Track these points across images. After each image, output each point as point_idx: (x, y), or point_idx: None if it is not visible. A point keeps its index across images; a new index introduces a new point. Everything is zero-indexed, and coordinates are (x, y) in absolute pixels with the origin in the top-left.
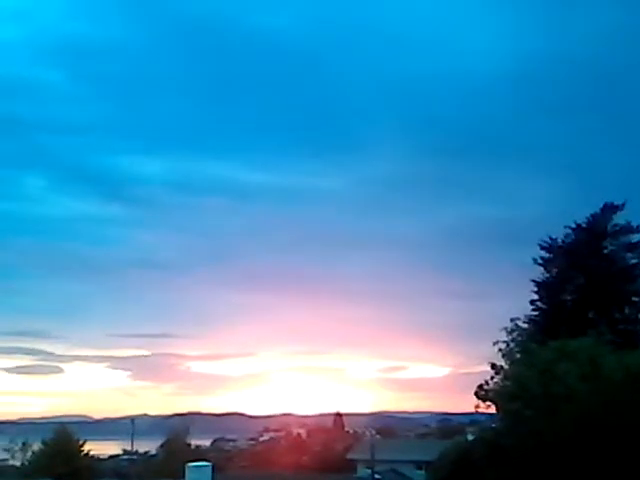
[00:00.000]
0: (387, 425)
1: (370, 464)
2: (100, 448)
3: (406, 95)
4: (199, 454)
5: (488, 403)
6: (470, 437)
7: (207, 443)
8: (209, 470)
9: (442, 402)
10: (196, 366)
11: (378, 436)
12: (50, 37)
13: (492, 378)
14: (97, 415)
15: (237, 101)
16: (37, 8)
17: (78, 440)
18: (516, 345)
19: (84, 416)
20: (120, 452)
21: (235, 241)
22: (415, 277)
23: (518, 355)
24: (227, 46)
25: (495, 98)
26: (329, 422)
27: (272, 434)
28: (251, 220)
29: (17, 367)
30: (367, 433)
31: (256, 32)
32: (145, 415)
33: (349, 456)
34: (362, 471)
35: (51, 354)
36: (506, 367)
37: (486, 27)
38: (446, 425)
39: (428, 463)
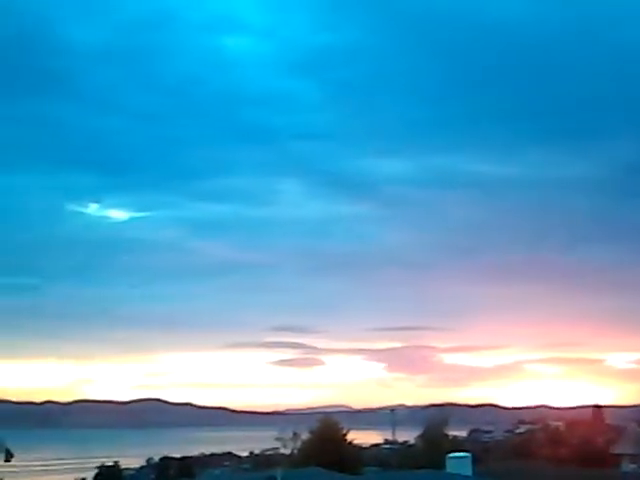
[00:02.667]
0: None
1: (635, 459)
2: (361, 437)
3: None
4: (457, 445)
5: None
6: None
7: (464, 434)
8: (469, 461)
9: None
10: (448, 358)
11: None
12: (297, 49)
13: None
14: (356, 405)
15: (474, 94)
16: (283, 23)
17: (342, 429)
18: None
19: (344, 406)
20: (381, 441)
21: (482, 234)
22: None
23: None
24: (458, 39)
25: None
26: (587, 415)
27: (528, 426)
28: (498, 212)
29: (282, 360)
30: (630, 426)
31: (484, 21)
32: (402, 405)
33: (612, 450)
34: (626, 466)
35: (312, 348)
36: None
37: None
38: None
39: None
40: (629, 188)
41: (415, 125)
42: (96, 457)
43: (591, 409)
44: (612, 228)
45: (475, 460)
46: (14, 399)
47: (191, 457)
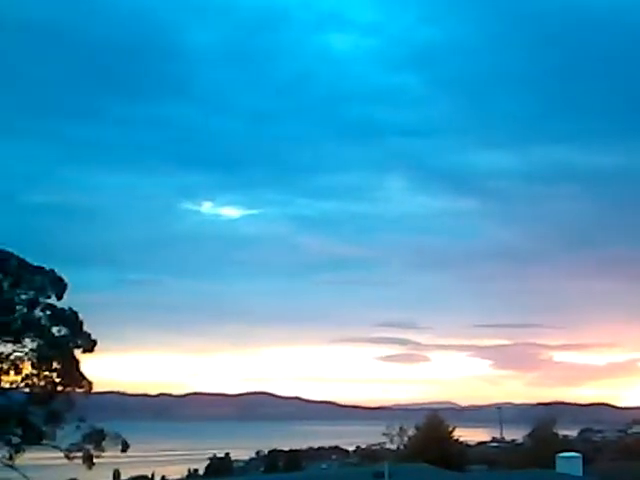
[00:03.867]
0: None
1: None
2: (467, 434)
3: None
4: (567, 444)
5: None
6: None
7: (574, 433)
8: (579, 461)
9: None
10: (558, 356)
11: None
12: (403, 45)
13: None
14: (462, 402)
15: (580, 86)
16: (389, 20)
17: (448, 426)
18: None
19: (450, 403)
20: (488, 439)
21: (590, 228)
22: None
23: None
24: (572, 33)
25: None
26: None
27: None
28: (607, 206)
29: (388, 356)
30: None
31: (601, 16)
32: (509, 403)
33: None
34: None
35: (418, 344)
36: None
37: None
38: None
39: None
40: None
41: (522, 118)
42: (207, 449)
43: None
44: None
45: (585, 460)
46: (130, 391)
47: (299, 450)
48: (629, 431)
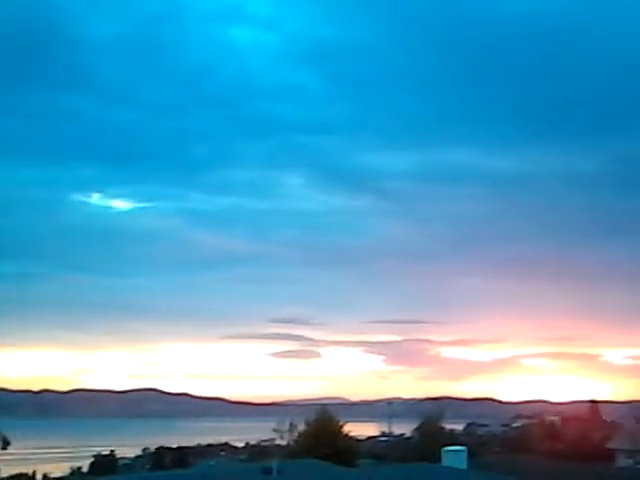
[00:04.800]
0: None
1: (631, 454)
2: (357, 429)
3: None
4: (453, 438)
5: None
6: None
7: (460, 427)
8: (464, 455)
9: None
10: (447, 351)
11: (638, 425)
12: (303, 41)
13: None
14: (354, 397)
15: (479, 90)
16: (290, 16)
17: (338, 421)
18: None
19: (341, 398)
20: (377, 434)
21: (481, 228)
22: None
23: None
24: (467, 33)
25: None
26: (583, 410)
27: (525, 420)
28: (498, 207)
29: (281, 352)
30: (626, 422)
31: (492, 15)
32: (399, 398)
33: (608, 445)
34: (623, 461)
35: (310, 339)
36: None
37: None
38: None
39: None
40: (634, 183)
41: (418, 120)
42: (92, 446)
43: (588, 404)
44: (613, 224)
45: (471, 453)
46: (11, 387)
47: (187, 447)
48: (513, 425)
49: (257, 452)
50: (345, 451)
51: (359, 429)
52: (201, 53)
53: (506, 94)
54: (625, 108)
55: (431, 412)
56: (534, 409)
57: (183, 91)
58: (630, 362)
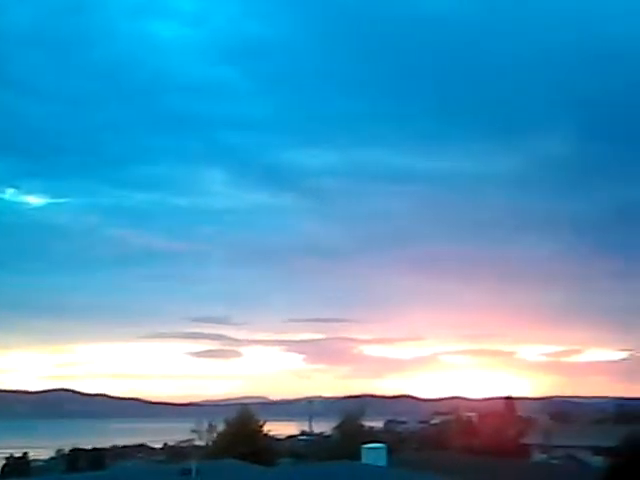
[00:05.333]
0: (561, 410)
1: (545, 449)
2: (278, 428)
3: (576, 72)
4: (372, 436)
5: None
6: None
7: (379, 425)
8: (384, 452)
9: (618, 387)
10: (368, 349)
11: (552, 421)
12: (225, 37)
13: None
14: (274, 396)
15: (402, 87)
16: (213, 11)
17: (258, 420)
18: None
19: (262, 397)
20: (297, 433)
21: (402, 227)
22: (588, 258)
23: None
24: (394, 32)
25: None
26: (500, 406)
27: (442, 417)
28: (418, 205)
29: (201, 352)
30: (541, 418)
31: (420, 14)
32: (319, 397)
33: (523, 441)
34: (538, 456)
35: (231, 338)
36: None
37: None
38: (623, 411)
39: (606, 449)
40: (552, 183)
41: (339, 118)
42: (4, 448)
43: (503, 401)
44: (530, 223)
45: (390, 451)
46: None
47: (103, 449)
48: (431, 422)
49: (175, 453)
50: (264, 451)
51: (279, 428)
52: (120, 47)
53: (427, 93)
54: (544, 109)
55: (351, 410)
56: (452, 406)
57: (101, 85)
58: (544, 359)
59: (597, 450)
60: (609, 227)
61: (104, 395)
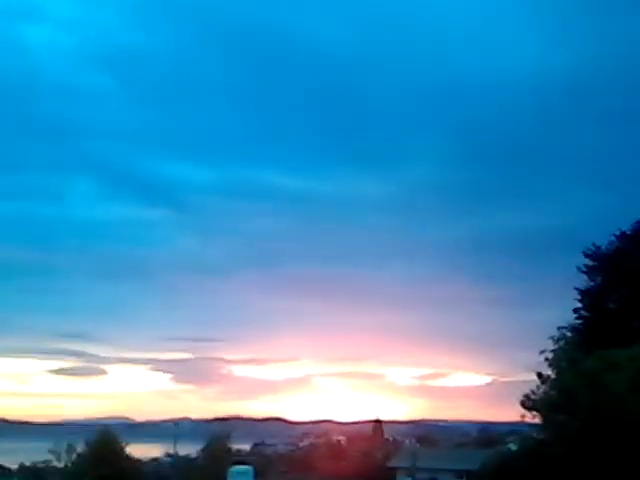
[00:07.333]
0: (427, 433)
1: (410, 472)
2: (142, 450)
3: (445, 102)
4: (240, 458)
5: (534, 413)
6: (512, 447)
7: (247, 447)
8: (250, 475)
9: (482, 411)
10: (238, 370)
11: (418, 444)
12: (99, 45)
13: (538, 387)
14: (139, 418)
15: (280, 108)
16: (88, 17)
17: (120, 442)
18: (562, 353)
19: (126, 418)
20: (161, 455)
21: (279, 247)
22: (455, 284)
23: (564, 364)
24: (272, 54)
25: (537, 106)
26: (369, 429)
27: (312, 440)
28: (295, 226)
29: (61, 369)
30: (407, 441)
31: (297, 39)
32: (186, 418)
33: (389, 464)
34: (403, 479)
35: (95, 356)
36: (553, 376)
37: (529, 36)
38: (486, 434)
39: (468, 472)
40: (422, 208)
41: (219, 135)
42: None
43: (372, 424)
44: (399, 246)
45: (257, 474)
46: None
47: None
48: (300, 445)
49: (32, 474)
50: (127, 473)
51: (143, 450)
52: None
53: (312, 118)
54: (413, 136)
55: (218, 432)
56: (322, 429)
57: None
58: (413, 382)
59: (459, 473)
60: (478, 253)
61: None
